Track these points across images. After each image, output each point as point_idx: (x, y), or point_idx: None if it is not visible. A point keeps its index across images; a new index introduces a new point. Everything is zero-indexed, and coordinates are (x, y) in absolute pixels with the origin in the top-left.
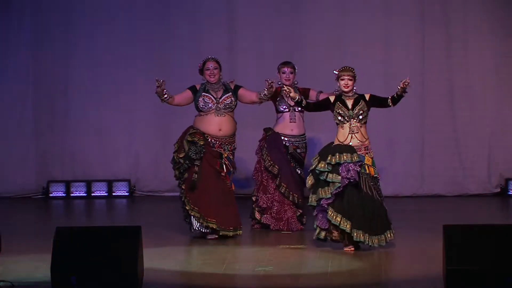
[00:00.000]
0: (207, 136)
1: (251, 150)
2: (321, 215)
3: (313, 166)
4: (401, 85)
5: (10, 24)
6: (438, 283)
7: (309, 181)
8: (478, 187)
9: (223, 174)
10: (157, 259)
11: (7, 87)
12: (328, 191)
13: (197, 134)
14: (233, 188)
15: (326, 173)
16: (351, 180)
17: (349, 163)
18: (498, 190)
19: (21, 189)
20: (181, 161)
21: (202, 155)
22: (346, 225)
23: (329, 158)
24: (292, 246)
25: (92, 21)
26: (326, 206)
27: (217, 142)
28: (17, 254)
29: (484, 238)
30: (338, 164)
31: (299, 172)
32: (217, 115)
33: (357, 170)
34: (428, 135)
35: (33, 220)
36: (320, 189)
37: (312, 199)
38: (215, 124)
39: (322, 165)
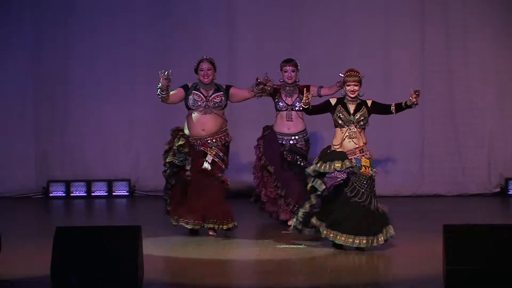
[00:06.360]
0: (191, 139)
1: (251, 148)
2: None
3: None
4: (413, 96)
5: (10, 25)
6: (438, 283)
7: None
8: (478, 187)
9: (206, 169)
10: (157, 259)
11: (7, 87)
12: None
13: (183, 141)
14: (229, 183)
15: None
16: (336, 183)
17: (339, 171)
18: (498, 190)
19: (21, 189)
20: (167, 165)
21: (186, 162)
22: (338, 237)
23: (319, 165)
24: (292, 246)
25: (92, 21)
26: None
27: (201, 141)
28: (17, 254)
29: (484, 238)
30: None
31: (302, 165)
32: (204, 113)
33: (343, 178)
34: (428, 135)
35: (33, 220)
36: (322, 163)
37: (318, 184)
38: (198, 124)
39: (320, 166)
